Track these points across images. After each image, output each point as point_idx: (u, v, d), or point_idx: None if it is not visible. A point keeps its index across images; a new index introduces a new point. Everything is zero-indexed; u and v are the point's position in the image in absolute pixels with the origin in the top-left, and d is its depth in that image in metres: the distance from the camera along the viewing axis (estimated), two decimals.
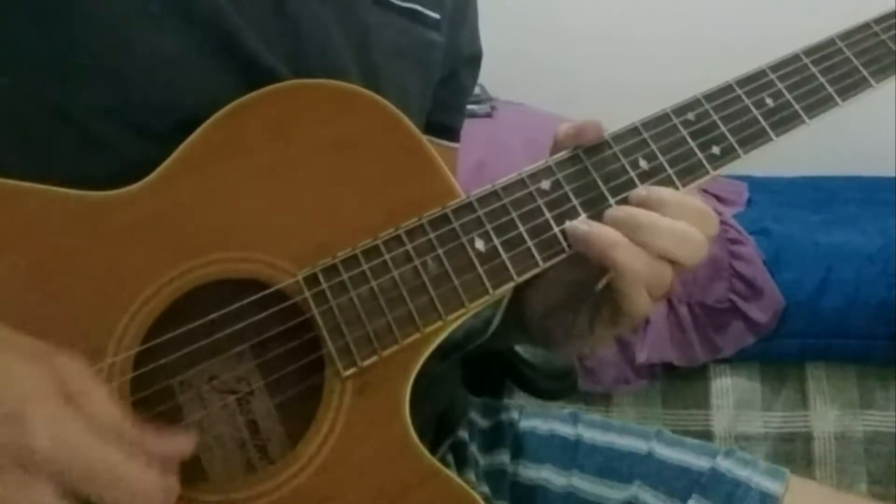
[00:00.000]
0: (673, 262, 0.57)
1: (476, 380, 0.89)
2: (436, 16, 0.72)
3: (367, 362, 0.54)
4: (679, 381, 1.87)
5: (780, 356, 1.85)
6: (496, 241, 0.58)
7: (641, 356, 1.80)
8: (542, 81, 2.30)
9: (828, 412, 1.84)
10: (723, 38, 2.33)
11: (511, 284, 0.58)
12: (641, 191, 0.59)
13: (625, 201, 0.60)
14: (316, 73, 0.61)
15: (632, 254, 0.56)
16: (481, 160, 1.85)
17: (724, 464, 0.74)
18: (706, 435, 1.83)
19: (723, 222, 1.92)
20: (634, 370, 1.83)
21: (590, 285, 0.60)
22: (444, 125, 0.77)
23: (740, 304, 1.82)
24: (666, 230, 0.57)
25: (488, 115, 2.15)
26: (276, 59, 0.61)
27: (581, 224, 0.58)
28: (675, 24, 2.39)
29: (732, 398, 1.86)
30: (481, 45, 0.81)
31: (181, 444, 0.49)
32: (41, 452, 0.43)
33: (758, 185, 2.19)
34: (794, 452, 1.83)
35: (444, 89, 0.75)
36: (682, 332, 1.82)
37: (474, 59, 0.81)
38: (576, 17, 2.41)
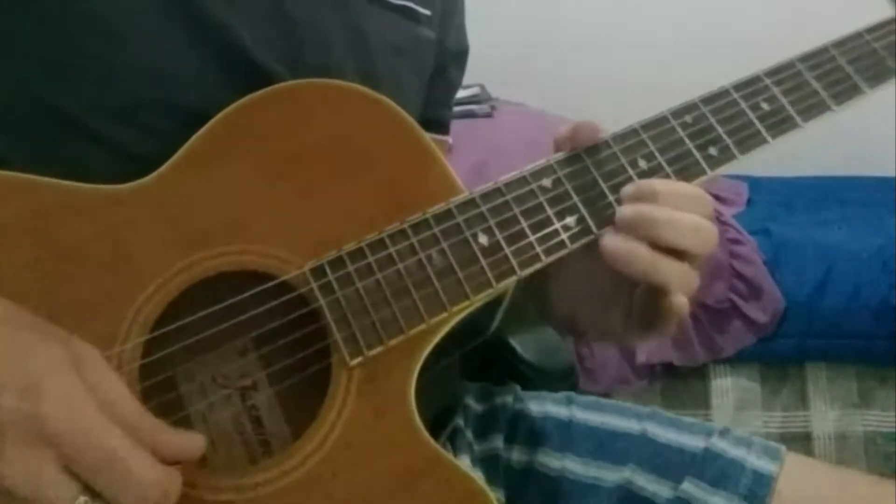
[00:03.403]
0: (689, 256, 0.57)
1: (476, 380, 0.89)
2: (427, 12, 0.73)
3: (373, 351, 0.55)
4: (679, 381, 1.87)
5: (780, 356, 1.85)
6: (499, 236, 0.59)
7: (641, 356, 1.81)
8: (542, 81, 2.30)
9: (828, 412, 1.84)
10: (720, 39, 2.33)
11: (514, 278, 0.58)
12: (630, 188, 0.59)
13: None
14: (314, 72, 0.62)
15: (674, 269, 0.57)
16: (481, 160, 1.85)
17: (718, 444, 0.74)
18: None
19: (723, 222, 1.92)
20: (634, 370, 1.83)
21: (612, 282, 0.61)
22: (434, 119, 0.78)
23: (740, 304, 1.82)
24: (680, 224, 0.57)
25: (488, 116, 2.15)
26: (274, 60, 0.62)
27: (619, 242, 0.57)
28: (674, 25, 2.39)
29: (732, 398, 1.86)
30: (468, 40, 0.82)
31: (191, 445, 0.49)
32: (51, 424, 0.43)
33: (758, 185, 2.19)
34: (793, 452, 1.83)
35: (434, 85, 0.76)
36: (682, 332, 1.82)
37: (462, 55, 0.82)
38: (576, 18, 2.42)
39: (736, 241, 1.88)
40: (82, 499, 0.44)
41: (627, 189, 0.59)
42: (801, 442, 1.84)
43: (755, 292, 1.83)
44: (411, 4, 0.72)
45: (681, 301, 0.58)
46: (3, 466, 0.43)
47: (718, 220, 1.92)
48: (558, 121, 2.25)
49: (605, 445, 0.76)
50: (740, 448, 0.73)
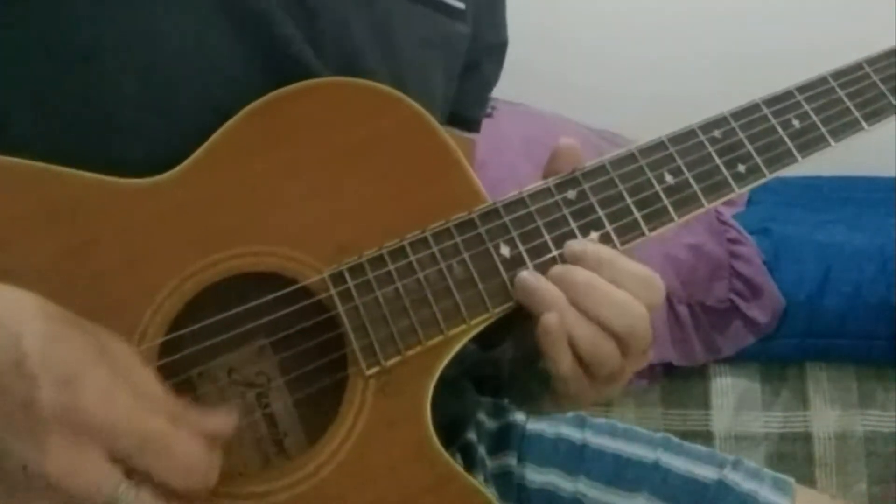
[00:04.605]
0: (613, 334, 0.55)
1: (476, 380, 0.89)
2: (461, 6, 0.72)
3: (390, 362, 0.55)
4: (679, 381, 1.87)
5: (780, 356, 1.85)
6: (521, 248, 0.58)
7: None
8: (542, 81, 2.29)
9: (828, 412, 1.84)
10: (719, 40, 2.33)
11: None
12: (576, 245, 0.58)
13: (636, 225, 0.59)
14: (333, 63, 0.61)
15: (563, 312, 0.55)
16: (481, 160, 1.83)
17: (731, 476, 0.75)
18: (706, 435, 1.83)
19: (723, 222, 1.92)
20: None
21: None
22: (465, 116, 0.77)
23: (740, 304, 1.82)
24: (602, 293, 0.55)
25: (488, 116, 2.14)
26: (316, 60, 0.60)
27: (530, 276, 0.57)
28: (674, 25, 2.39)
29: (732, 398, 1.85)
30: (507, 35, 0.80)
31: (224, 422, 0.49)
32: (92, 415, 0.43)
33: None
34: (794, 452, 1.83)
35: (467, 80, 0.75)
36: (682, 332, 1.82)
37: (498, 48, 0.80)
38: (576, 18, 2.41)
39: (736, 241, 1.88)
40: (124, 485, 0.44)
41: (572, 245, 0.58)
42: (801, 442, 1.83)
43: (755, 292, 1.83)
44: None
45: (561, 356, 0.55)
46: (47, 463, 0.43)
47: (718, 220, 1.92)
48: (558, 121, 2.25)
49: (619, 472, 0.77)
50: (752, 481, 0.74)
